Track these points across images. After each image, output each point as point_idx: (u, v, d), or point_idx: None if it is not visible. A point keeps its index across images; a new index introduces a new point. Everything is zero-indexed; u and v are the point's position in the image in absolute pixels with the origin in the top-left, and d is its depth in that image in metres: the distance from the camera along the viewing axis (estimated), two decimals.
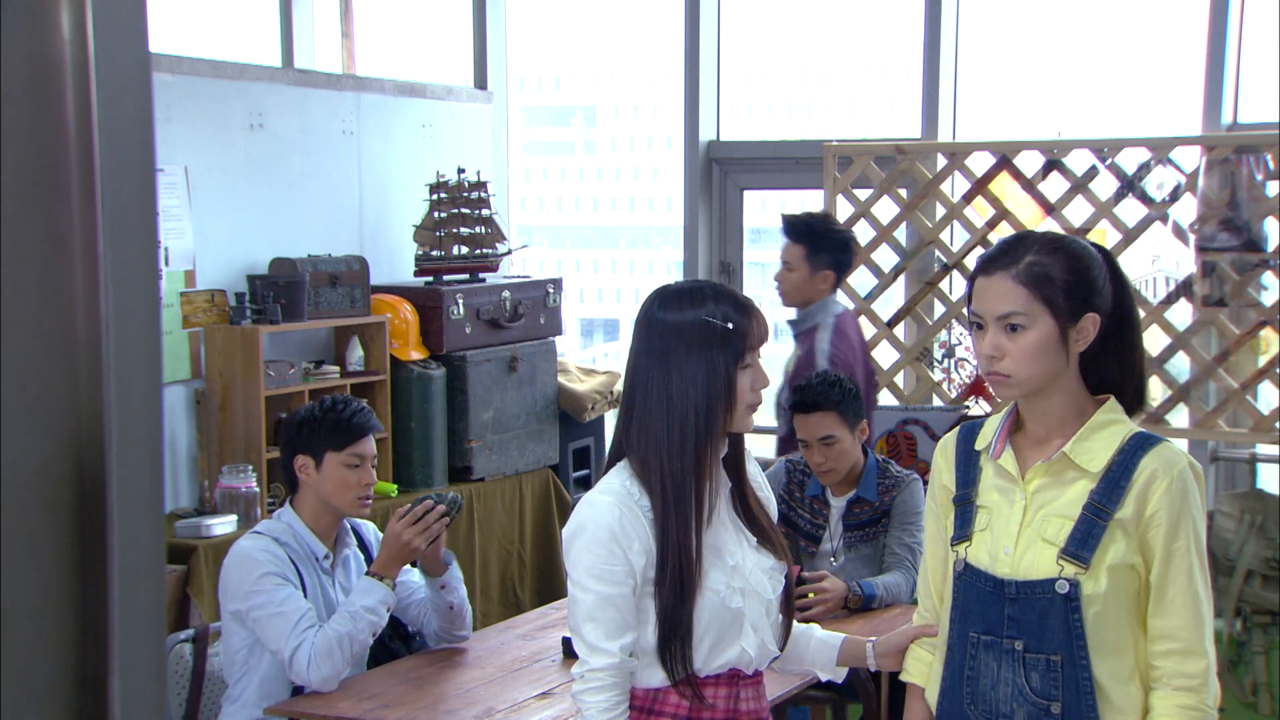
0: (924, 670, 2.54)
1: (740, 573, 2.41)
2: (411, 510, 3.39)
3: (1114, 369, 2.36)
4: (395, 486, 5.24)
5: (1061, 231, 4.93)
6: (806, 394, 4.03)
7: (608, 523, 2.34)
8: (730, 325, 2.34)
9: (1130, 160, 5.05)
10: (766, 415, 4.23)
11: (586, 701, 2.36)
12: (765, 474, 2.62)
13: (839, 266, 4.62)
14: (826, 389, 4.02)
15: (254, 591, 3.26)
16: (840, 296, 4.82)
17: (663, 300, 2.40)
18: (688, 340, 2.35)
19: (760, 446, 5.02)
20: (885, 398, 5.39)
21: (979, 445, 2.43)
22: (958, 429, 2.51)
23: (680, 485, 2.35)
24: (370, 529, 3.64)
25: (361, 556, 3.54)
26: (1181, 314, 5.06)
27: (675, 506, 2.35)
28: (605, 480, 2.42)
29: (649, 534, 2.35)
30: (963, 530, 2.40)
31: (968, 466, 2.44)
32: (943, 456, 2.49)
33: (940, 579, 2.49)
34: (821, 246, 4.56)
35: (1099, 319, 2.30)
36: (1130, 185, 5.05)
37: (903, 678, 2.60)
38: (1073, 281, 2.28)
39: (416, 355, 5.36)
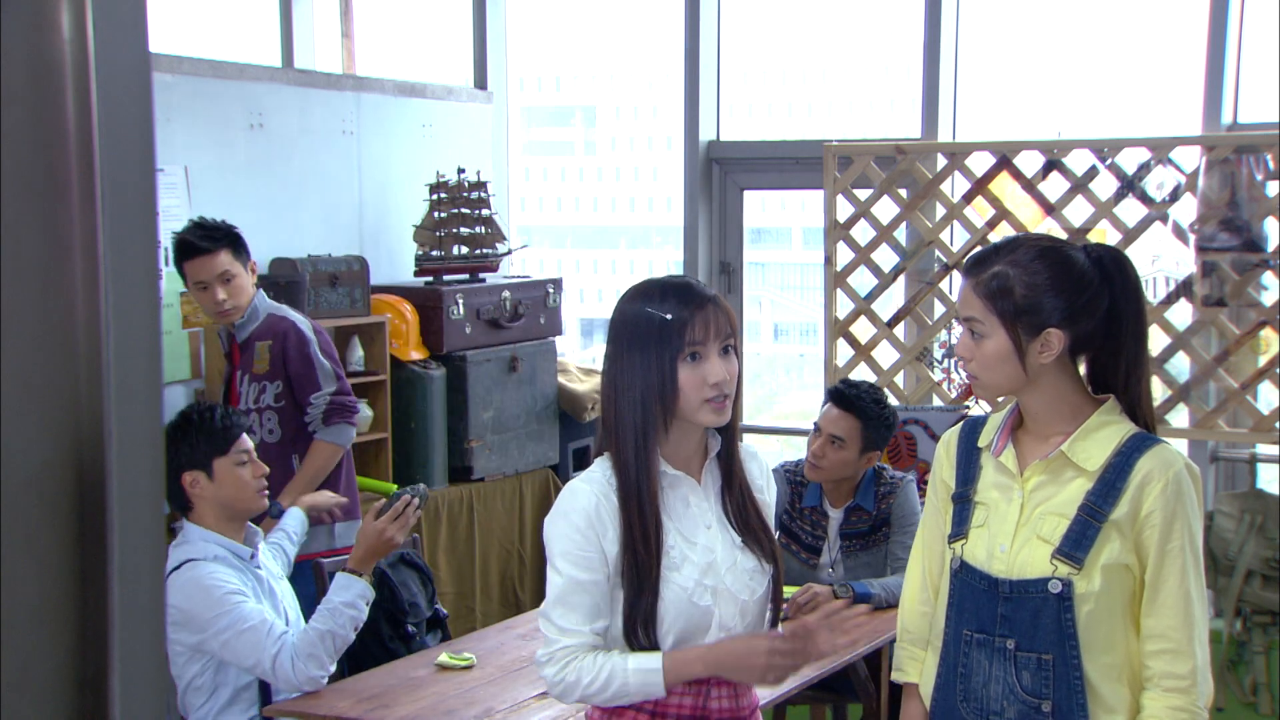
0: (918, 668, 2.55)
1: (714, 571, 2.39)
2: (391, 506, 3.41)
3: (1111, 373, 2.36)
4: (395, 486, 5.24)
5: (1061, 233, 4.95)
6: (854, 392, 4.06)
7: (585, 509, 2.37)
8: (669, 317, 2.32)
9: (1130, 160, 5.05)
10: (811, 419, 4.17)
11: (573, 669, 2.36)
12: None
13: (181, 253, 4.21)
14: (871, 403, 4.05)
15: (218, 615, 3.23)
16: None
17: (626, 295, 2.42)
18: (631, 333, 2.36)
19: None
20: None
21: (981, 442, 2.44)
22: (961, 425, 2.52)
23: (630, 476, 2.36)
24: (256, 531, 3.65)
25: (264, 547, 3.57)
26: (1181, 314, 5.05)
27: (627, 494, 2.36)
28: (589, 469, 2.45)
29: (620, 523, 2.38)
30: (960, 528, 2.41)
31: (968, 464, 2.44)
32: (945, 452, 2.50)
33: (937, 574, 2.49)
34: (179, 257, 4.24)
35: (1064, 335, 2.29)
36: (1130, 185, 5.05)
37: (896, 677, 2.60)
38: (1031, 298, 2.28)
39: (416, 355, 5.36)
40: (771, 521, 2.54)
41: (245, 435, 3.47)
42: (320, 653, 3.25)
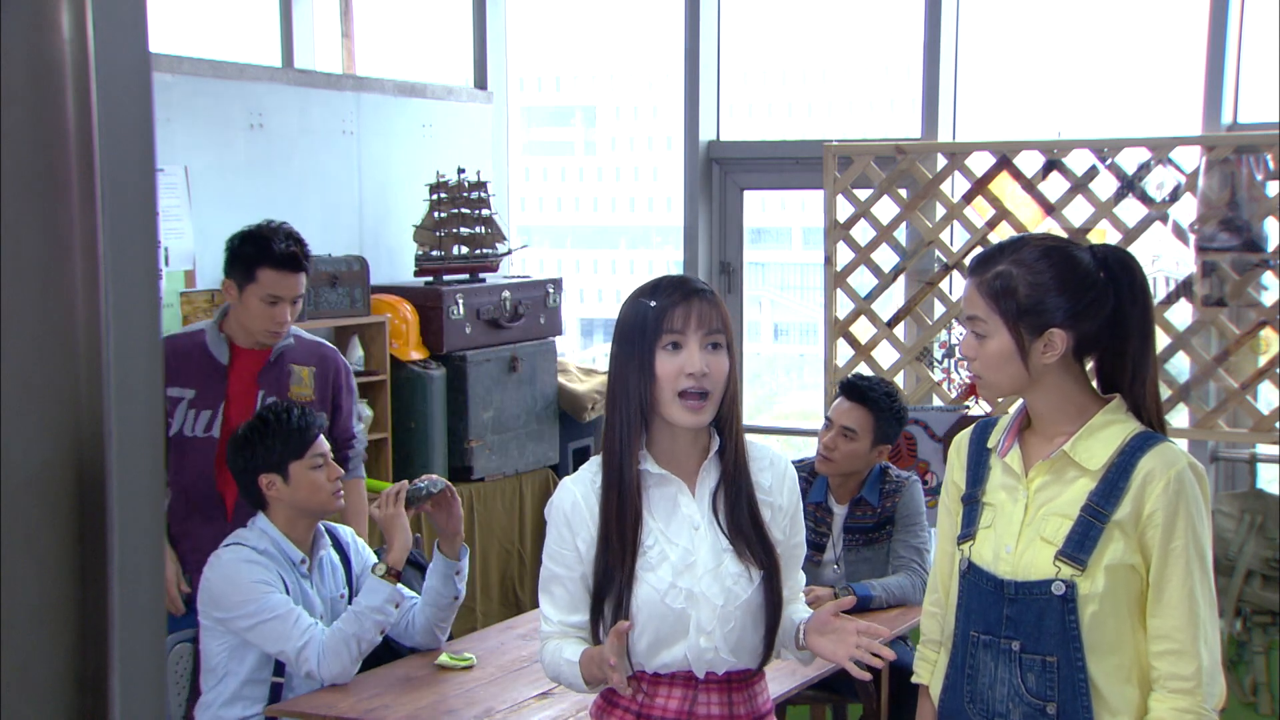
0: (929, 669, 2.55)
1: (692, 573, 2.38)
2: (416, 502, 3.48)
3: (1117, 372, 2.36)
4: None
5: (1061, 233, 4.94)
6: (866, 384, 4.10)
7: (562, 507, 2.43)
8: (652, 304, 2.34)
9: (1130, 160, 5.05)
10: (811, 419, 4.18)
11: (549, 649, 2.44)
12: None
13: (273, 261, 3.85)
14: (882, 395, 4.08)
15: (245, 600, 3.29)
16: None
17: (630, 295, 2.44)
18: (624, 325, 2.39)
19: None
20: None
21: (990, 443, 2.44)
22: (973, 426, 2.51)
23: (614, 469, 2.38)
24: (348, 532, 3.68)
25: (336, 557, 3.57)
26: (1181, 314, 5.05)
27: (609, 490, 2.38)
28: (583, 466, 2.49)
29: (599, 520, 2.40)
30: (968, 529, 2.41)
31: (978, 465, 2.44)
32: (956, 454, 2.50)
33: (948, 575, 2.49)
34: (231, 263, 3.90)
35: (1068, 335, 2.28)
36: (1130, 185, 5.05)
37: (913, 680, 2.61)
38: (1034, 298, 2.27)
39: (416, 355, 5.36)
40: (786, 525, 2.51)
41: (322, 437, 3.49)
42: (344, 654, 3.31)
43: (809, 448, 4.24)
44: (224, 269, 3.91)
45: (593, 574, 2.39)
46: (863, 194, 5.46)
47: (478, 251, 5.67)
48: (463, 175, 5.68)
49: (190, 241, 4.95)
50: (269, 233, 3.87)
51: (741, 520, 2.42)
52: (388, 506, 3.44)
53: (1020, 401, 2.42)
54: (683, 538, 2.40)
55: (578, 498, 2.40)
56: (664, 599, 2.36)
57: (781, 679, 3.28)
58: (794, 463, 4.24)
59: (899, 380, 5.48)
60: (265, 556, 3.37)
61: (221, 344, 3.91)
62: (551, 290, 5.88)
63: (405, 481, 3.52)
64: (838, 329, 5.52)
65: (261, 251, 3.83)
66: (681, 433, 2.40)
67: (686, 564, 2.38)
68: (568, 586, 2.42)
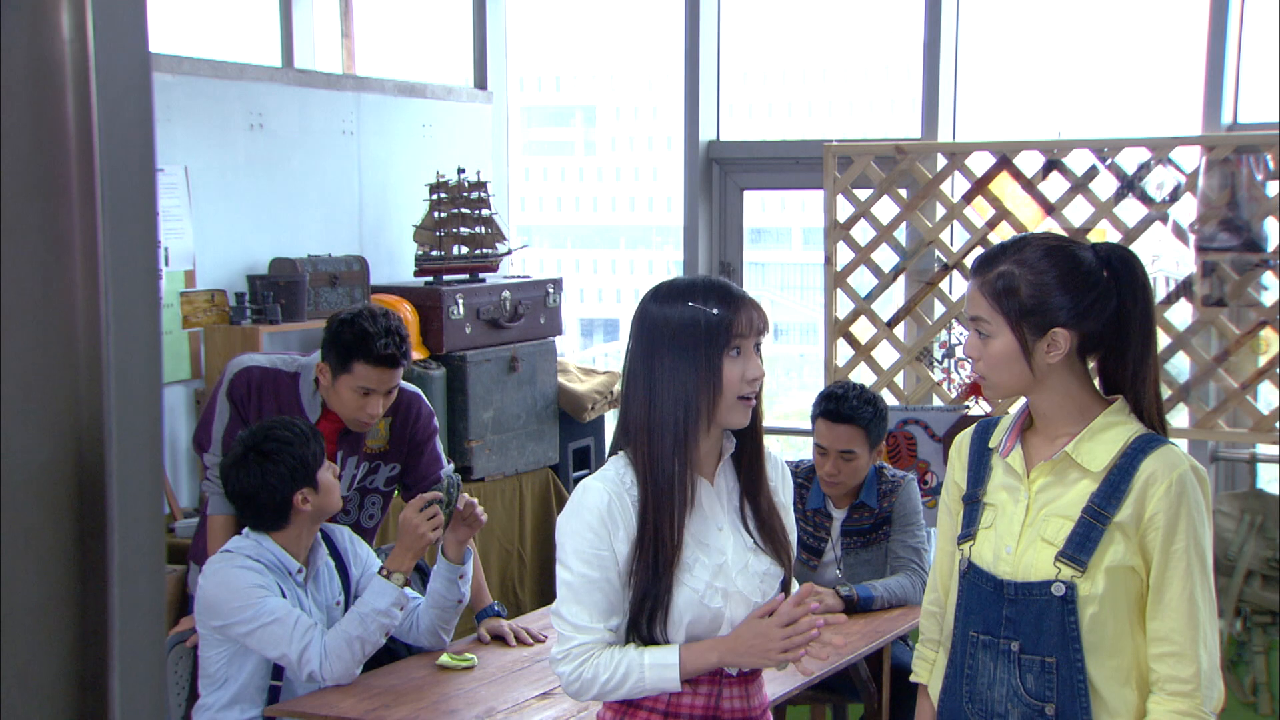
0: (928, 669, 2.55)
1: (725, 573, 2.41)
2: (430, 504, 3.43)
3: (1118, 372, 2.35)
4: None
5: (1062, 233, 4.94)
6: (842, 404, 4.04)
7: (597, 508, 2.38)
8: (715, 312, 2.35)
9: (1130, 160, 5.05)
10: (801, 419, 4.15)
11: (589, 666, 2.38)
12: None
13: (370, 356, 3.66)
14: (861, 404, 4.04)
15: (242, 606, 3.26)
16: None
17: (655, 294, 2.43)
18: (674, 331, 2.37)
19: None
20: (885, 397, 5.38)
21: (992, 443, 2.44)
22: (974, 426, 2.51)
23: (660, 473, 2.37)
24: (345, 533, 3.64)
25: (332, 564, 3.54)
26: (1181, 314, 5.05)
27: (655, 494, 2.37)
28: (603, 468, 2.46)
29: (635, 522, 2.38)
30: (968, 529, 2.41)
31: (979, 465, 2.44)
32: (957, 454, 2.50)
33: (948, 575, 2.49)
34: None
35: (1071, 335, 2.28)
36: (1130, 185, 5.05)
37: (912, 679, 2.61)
38: (1037, 297, 2.27)
39: (416, 355, 5.36)
40: (790, 523, 2.55)
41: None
42: (347, 655, 3.30)
43: (809, 448, 4.24)
44: (321, 349, 3.75)
45: (630, 578, 2.38)
46: (863, 194, 5.46)
47: (478, 251, 5.67)
48: (463, 175, 5.68)
49: (190, 241, 4.95)
50: (371, 327, 3.67)
51: (771, 520, 2.47)
52: (409, 513, 3.43)
53: (1022, 401, 2.42)
54: (710, 538, 2.42)
55: (612, 497, 2.38)
56: (703, 600, 2.39)
57: (782, 679, 3.28)
58: (792, 465, 4.25)
59: (899, 380, 5.49)
60: (259, 562, 3.34)
61: (315, 403, 3.77)
62: (551, 290, 5.88)
63: (437, 493, 3.47)
64: (838, 329, 5.52)
65: (360, 346, 3.65)
66: (711, 435, 2.42)
67: (719, 564, 2.41)
68: (605, 589, 2.38)
